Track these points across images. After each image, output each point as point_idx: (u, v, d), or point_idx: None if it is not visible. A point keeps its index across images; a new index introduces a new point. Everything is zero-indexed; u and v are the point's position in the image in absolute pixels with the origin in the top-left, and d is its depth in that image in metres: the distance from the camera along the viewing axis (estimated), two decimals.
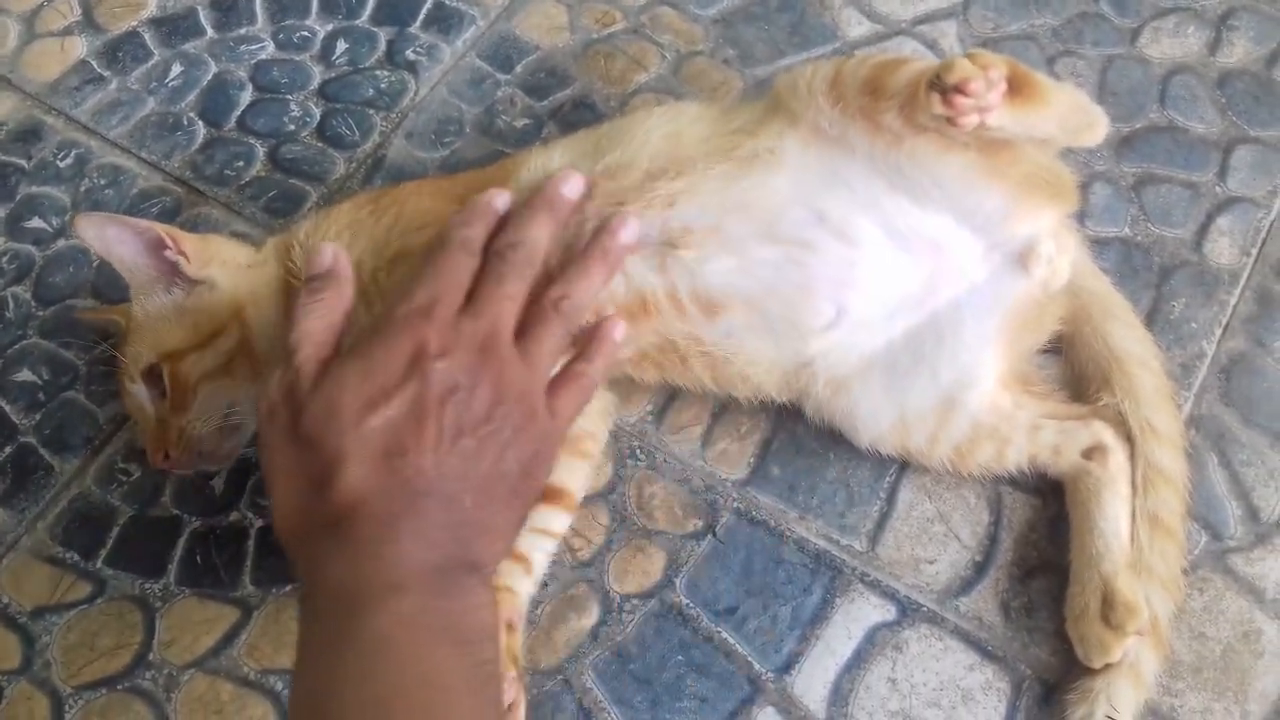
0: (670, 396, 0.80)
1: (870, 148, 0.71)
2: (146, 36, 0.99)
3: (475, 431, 0.58)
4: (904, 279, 0.73)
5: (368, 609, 0.53)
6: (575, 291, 0.65)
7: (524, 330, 0.63)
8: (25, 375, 0.83)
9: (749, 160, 0.72)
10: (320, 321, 0.61)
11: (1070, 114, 0.69)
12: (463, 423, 0.57)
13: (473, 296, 0.62)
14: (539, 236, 0.66)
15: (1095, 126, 0.71)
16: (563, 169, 0.71)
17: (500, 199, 0.68)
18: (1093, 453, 0.74)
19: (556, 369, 0.65)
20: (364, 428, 0.56)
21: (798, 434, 0.78)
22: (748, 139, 0.73)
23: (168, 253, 0.73)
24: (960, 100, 0.64)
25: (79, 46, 0.99)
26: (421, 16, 1.00)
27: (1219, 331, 0.82)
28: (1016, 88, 0.66)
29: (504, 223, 0.68)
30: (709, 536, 0.75)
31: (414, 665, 0.52)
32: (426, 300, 0.60)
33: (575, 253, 0.69)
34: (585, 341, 0.67)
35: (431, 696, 0.52)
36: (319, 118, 0.94)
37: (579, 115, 0.93)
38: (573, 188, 0.69)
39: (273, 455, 0.59)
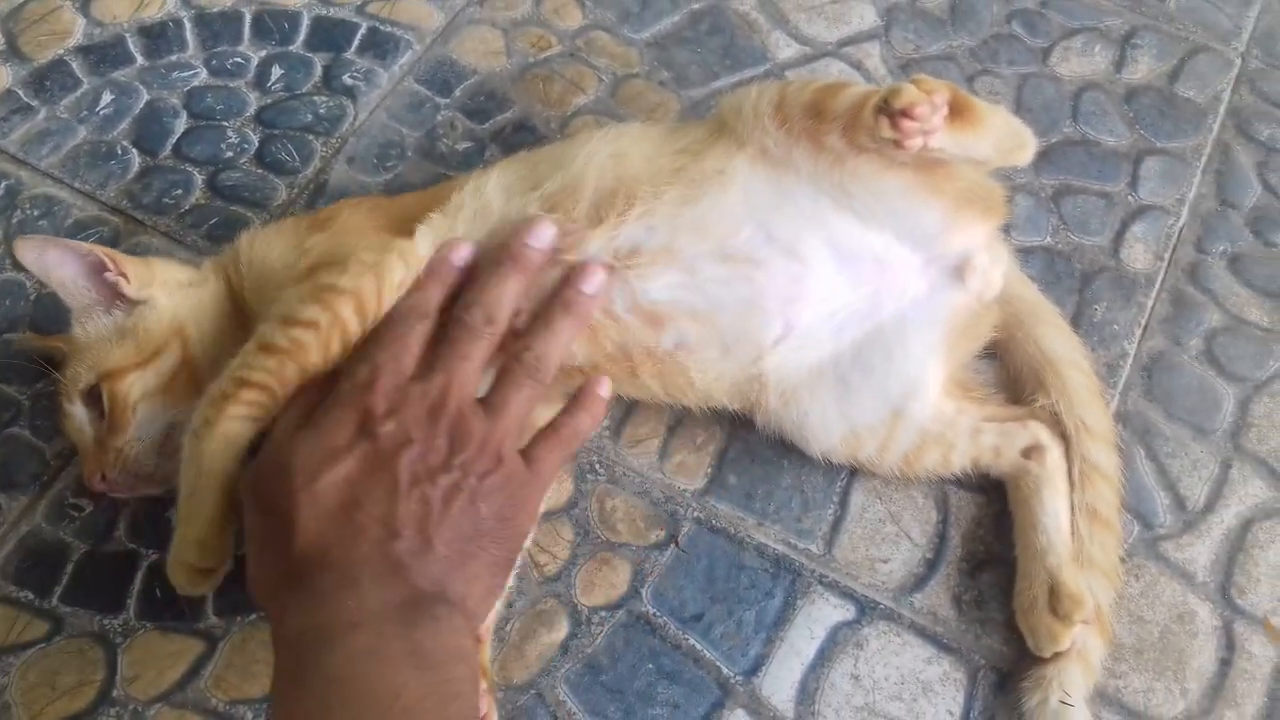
0: (626, 410, 0.81)
1: (814, 167, 0.74)
2: (74, 65, 0.97)
3: (433, 479, 0.61)
4: (849, 294, 0.76)
5: (325, 648, 0.55)
6: (539, 344, 0.68)
7: (494, 384, 0.66)
8: None
9: (700, 181, 0.74)
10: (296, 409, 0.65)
11: (1004, 136, 0.73)
12: (417, 471, 0.61)
13: (426, 360, 0.66)
14: (501, 295, 0.68)
15: (1025, 148, 0.75)
16: (534, 216, 0.72)
17: (458, 254, 0.71)
18: (1031, 452, 0.77)
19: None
20: (314, 487, 0.59)
21: (752, 443, 0.80)
22: (694, 161, 0.75)
23: (108, 275, 0.73)
24: (906, 124, 0.68)
25: (4, 76, 0.96)
26: (356, 41, 1.00)
27: (1139, 332, 0.86)
28: (957, 111, 0.69)
29: (470, 276, 0.70)
30: (672, 546, 0.77)
31: (371, 694, 0.54)
32: (367, 375, 0.64)
33: (543, 302, 0.71)
34: (571, 399, 0.70)
35: (382, 715, 0.54)
36: (257, 144, 0.94)
37: (520, 138, 0.95)
38: (540, 238, 0.71)
39: (250, 529, 0.64)
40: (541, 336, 0.68)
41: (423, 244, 0.72)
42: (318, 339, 0.67)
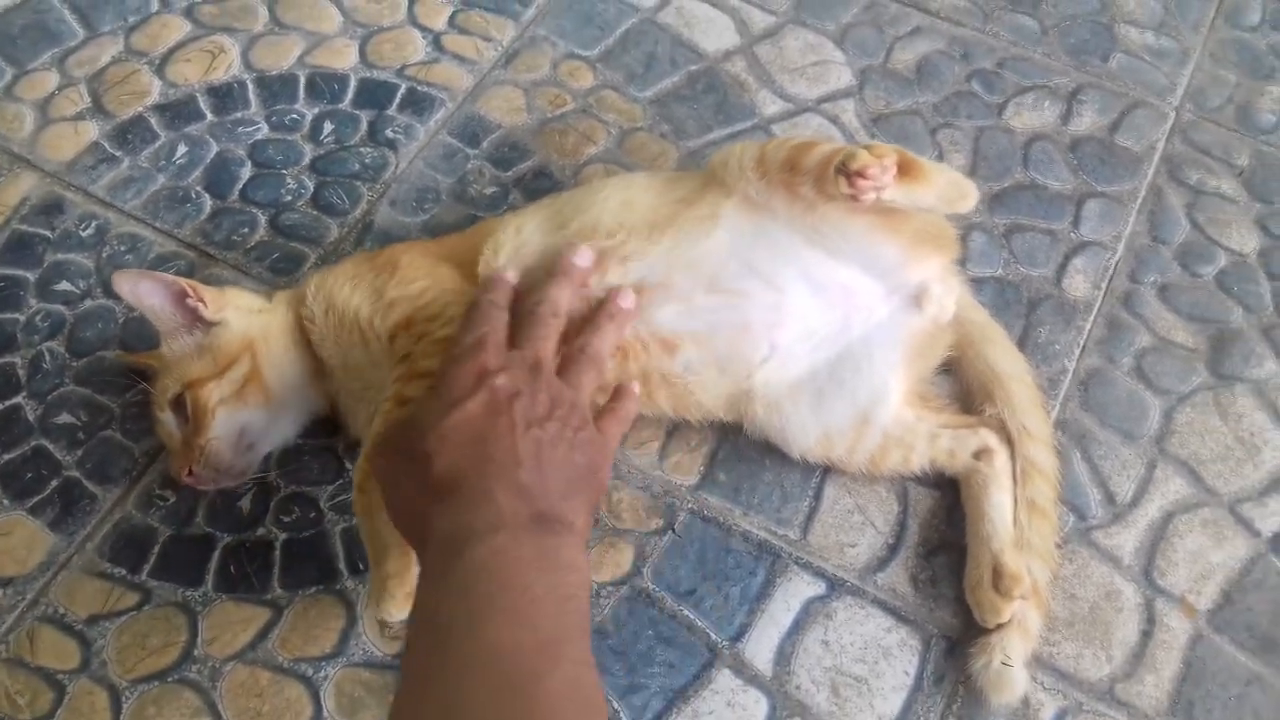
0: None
1: (790, 212, 0.84)
2: (152, 120, 1.09)
3: (541, 425, 0.70)
4: (822, 318, 0.86)
5: (468, 544, 0.63)
6: (592, 342, 0.79)
7: (562, 370, 0.77)
8: (65, 418, 0.92)
9: (693, 225, 0.85)
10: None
11: (947, 189, 0.83)
12: (530, 417, 0.70)
13: (512, 341, 0.77)
14: (558, 296, 0.80)
15: (967, 198, 0.85)
16: (570, 244, 0.84)
17: (510, 275, 0.83)
18: (981, 454, 0.86)
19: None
20: (443, 425, 0.69)
21: (739, 445, 0.90)
22: (688, 208, 0.85)
23: (189, 300, 0.85)
24: (861, 183, 0.78)
25: (91, 130, 1.08)
26: (397, 100, 1.11)
27: (1078, 351, 0.96)
28: (905, 170, 0.80)
29: (519, 292, 0.82)
30: (669, 532, 0.87)
31: (505, 583, 0.62)
32: (474, 340, 0.75)
33: (590, 314, 0.83)
34: (613, 394, 0.82)
35: (519, 604, 0.61)
36: (312, 189, 1.05)
37: (539, 183, 1.05)
38: (584, 258, 0.82)
39: (380, 472, 0.74)
40: (593, 337, 0.80)
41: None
42: None
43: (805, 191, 0.83)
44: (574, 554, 0.66)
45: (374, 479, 0.76)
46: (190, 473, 0.83)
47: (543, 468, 0.68)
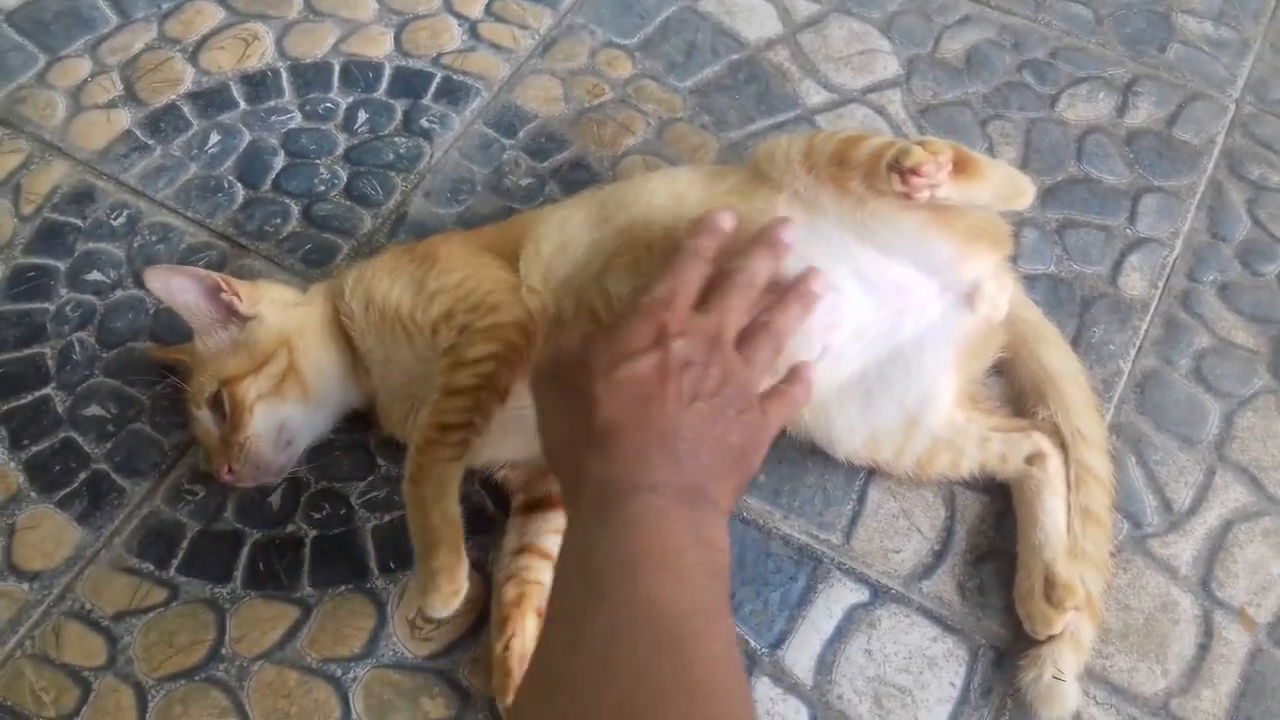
0: None
1: (839, 208, 0.81)
2: (185, 109, 1.08)
3: (708, 399, 0.68)
4: (874, 317, 0.83)
5: (625, 497, 0.63)
6: (780, 319, 0.75)
7: (741, 343, 0.73)
8: (94, 410, 0.91)
9: (748, 220, 0.80)
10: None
11: (1003, 186, 0.80)
12: (698, 390, 0.68)
13: (703, 302, 0.73)
14: (760, 267, 0.76)
15: (1024, 195, 0.81)
16: (777, 219, 0.79)
17: (727, 220, 0.78)
18: (1034, 459, 0.84)
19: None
20: (613, 376, 0.67)
21: (780, 446, 0.87)
22: (742, 201, 0.82)
23: (223, 295, 0.83)
24: (915, 180, 0.75)
25: (123, 118, 1.07)
26: (433, 89, 1.10)
27: (1133, 352, 0.94)
28: (960, 167, 0.77)
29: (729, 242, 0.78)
30: None
31: (657, 541, 0.61)
32: (666, 293, 0.71)
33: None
34: (789, 374, 0.77)
35: (667, 565, 0.61)
36: (346, 179, 1.04)
37: (576, 175, 1.04)
38: (790, 233, 0.78)
39: (542, 403, 0.72)
40: (779, 314, 0.76)
41: (532, 272, 0.83)
42: (500, 365, 0.78)
43: (855, 187, 0.80)
44: (719, 534, 0.65)
45: (535, 397, 0.74)
46: (230, 470, 0.82)
47: (700, 443, 0.67)
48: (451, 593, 0.76)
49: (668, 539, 0.62)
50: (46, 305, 0.97)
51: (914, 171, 0.75)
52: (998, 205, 0.82)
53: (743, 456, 0.70)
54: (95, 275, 0.99)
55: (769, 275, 0.76)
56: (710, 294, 0.74)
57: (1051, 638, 0.79)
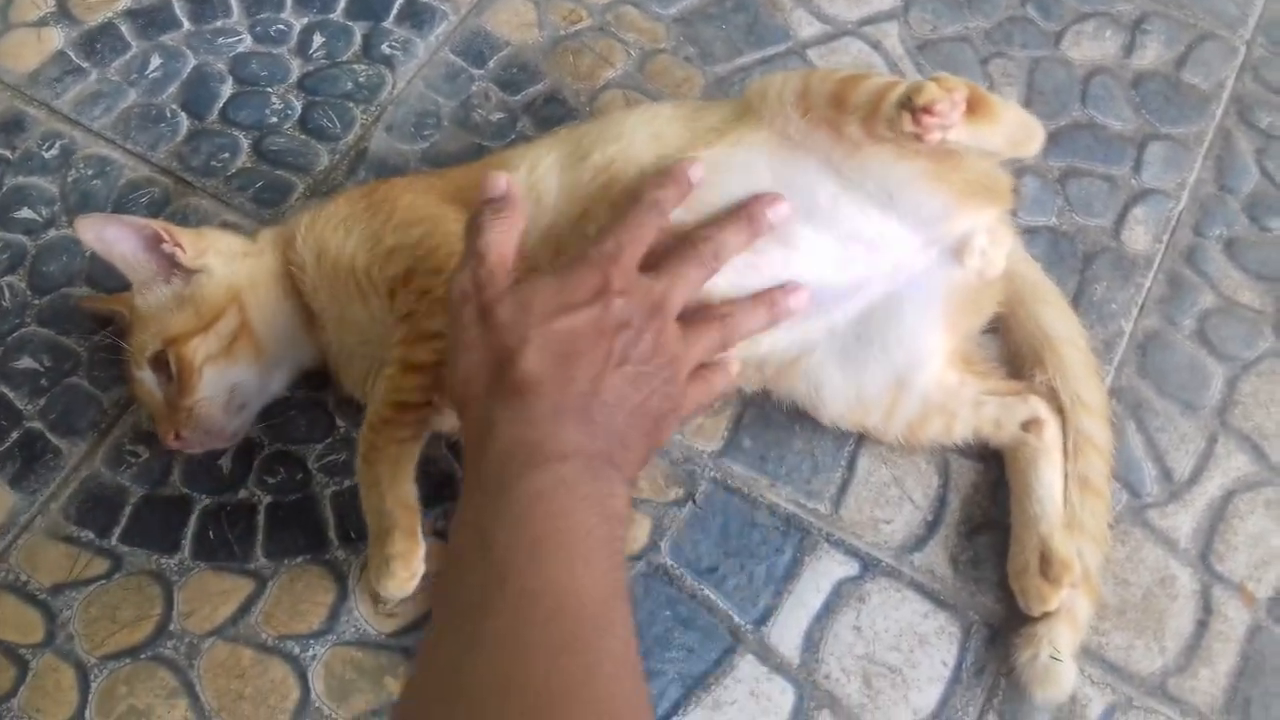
0: None
1: (829, 153, 0.76)
2: (123, 28, 1.01)
3: (636, 366, 0.66)
4: (855, 271, 0.78)
5: (533, 466, 0.60)
6: (739, 320, 0.73)
7: (690, 321, 0.71)
8: (27, 362, 0.85)
9: (726, 160, 0.76)
10: (504, 235, 0.68)
11: (1015, 129, 0.76)
12: (628, 354, 0.66)
13: (658, 262, 0.70)
14: (730, 243, 0.72)
15: (1034, 140, 0.77)
16: (772, 195, 0.75)
17: (695, 170, 0.74)
18: (1030, 425, 0.80)
19: None
20: (548, 327, 0.64)
21: (766, 409, 0.84)
22: (719, 139, 0.78)
23: (164, 246, 0.77)
24: (927, 119, 0.70)
25: (55, 37, 1.00)
26: (394, 11, 1.03)
27: (1136, 311, 0.90)
28: (974, 106, 0.72)
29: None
30: (689, 503, 0.82)
31: (564, 519, 0.59)
32: (614, 247, 0.68)
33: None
34: (704, 367, 0.74)
35: (581, 546, 0.59)
36: (300, 110, 0.97)
37: (551, 110, 0.98)
38: (778, 212, 0.74)
39: (460, 332, 0.67)
40: (743, 316, 0.74)
41: None
42: None
43: (851, 131, 0.75)
44: (622, 504, 0.63)
45: (452, 320, 0.69)
46: (177, 437, 0.76)
47: (618, 409, 0.65)
48: (407, 578, 0.74)
49: (574, 514, 0.60)
50: None
51: (927, 110, 0.70)
52: (1007, 151, 0.78)
53: (657, 426, 0.68)
54: (25, 213, 0.92)
55: (738, 252, 0.73)
56: (668, 257, 0.71)
57: (1047, 614, 0.76)
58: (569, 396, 0.63)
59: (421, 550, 0.74)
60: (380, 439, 0.73)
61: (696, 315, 0.72)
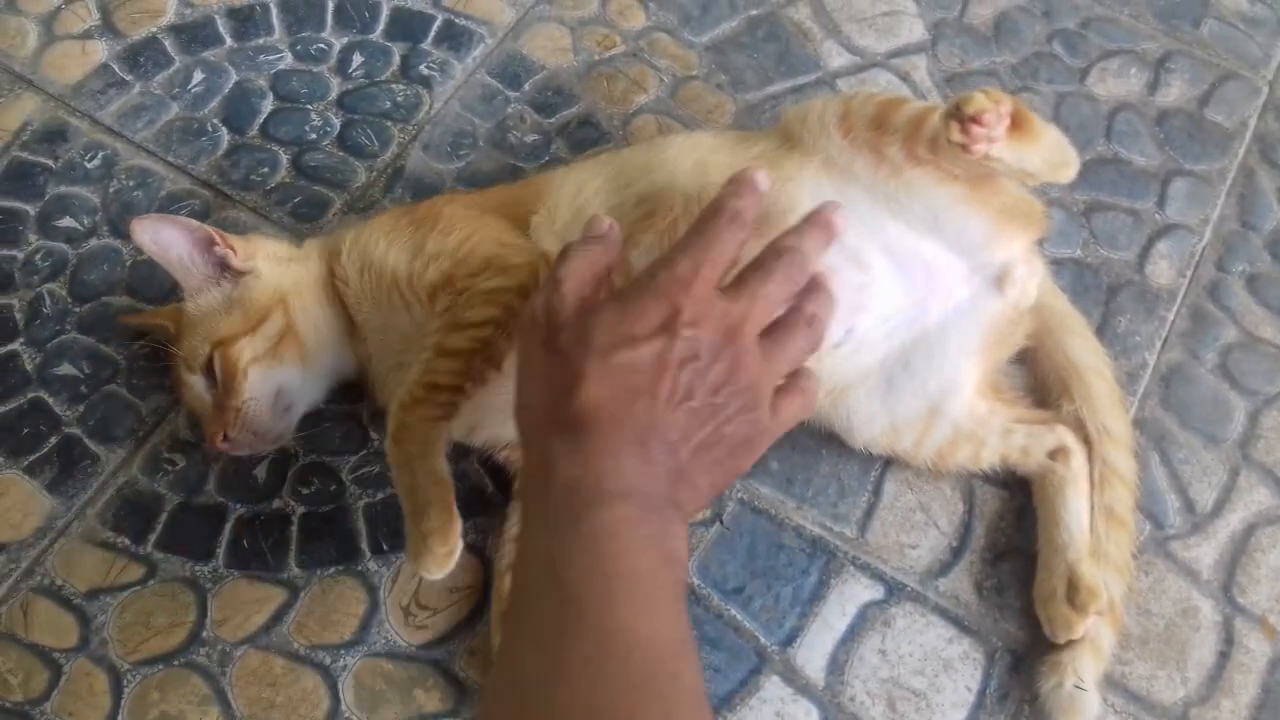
0: None
1: (873, 177, 0.77)
2: (166, 43, 1.02)
3: (704, 399, 0.62)
4: (903, 300, 0.79)
5: (599, 504, 0.58)
6: (823, 311, 0.69)
7: (772, 332, 0.66)
8: (66, 369, 0.86)
9: (777, 190, 0.76)
10: (586, 266, 0.66)
11: (1054, 151, 0.77)
12: (694, 388, 0.62)
13: (737, 280, 0.66)
14: (811, 250, 0.68)
15: (1070, 165, 0.78)
16: (827, 202, 0.71)
17: (763, 179, 0.69)
18: (1057, 454, 0.81)
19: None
20: (609, 359, 0.61)
21: (794, 432, 0.81)
22: (771, 169, 0.75)
23: (216, 248, 0.78)
24: (975, 129, 0.70)
25: (100, 50, 1.01)
26: (433, 33, 1.04)
27: (1159, 344, 0.91)
28: (1016, 123, 0.73)
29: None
30: (717, 524, 0.82)
31: (629, 559, 0.58)
32: (688, 270, 0.64)
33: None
34: (796, 373, 0.70)
35: (650, 590, 0.58)
36: (339, 128, 0.98)
37: (584, 133, 0.98)
38: (841, 218, 0.70)
39: (527, 356, 0.66)
40: (824, 307, 0.69)
41: (545, 241, 0.78)
42: (499, 331, 0.74)
43: (892, 153, 0.76)
44: (681, 545, 0.61)
45: (519, 347, 0.68)
46: (225, 438, 0.77)
47: (680, 445, 0.62)
48: (445, 554, 0.73)
49: (638, 556, 0.58)
50: (14, 253, 0.91)
51: (975, 120, 0.71)
52: (1044, 173, 0.78)
53: (731, 456, 0.64)
54: (68, 221, 0.93)
55: (819, 261, 0.69)
56: (750, 272, 0.67)
57: (1071, 643, 0.76)
58: (626, 434, 0.60)
59: (458, 525, 0.73)
60: (410, 417, 0.73)
61: (779, 324, 0.67)
